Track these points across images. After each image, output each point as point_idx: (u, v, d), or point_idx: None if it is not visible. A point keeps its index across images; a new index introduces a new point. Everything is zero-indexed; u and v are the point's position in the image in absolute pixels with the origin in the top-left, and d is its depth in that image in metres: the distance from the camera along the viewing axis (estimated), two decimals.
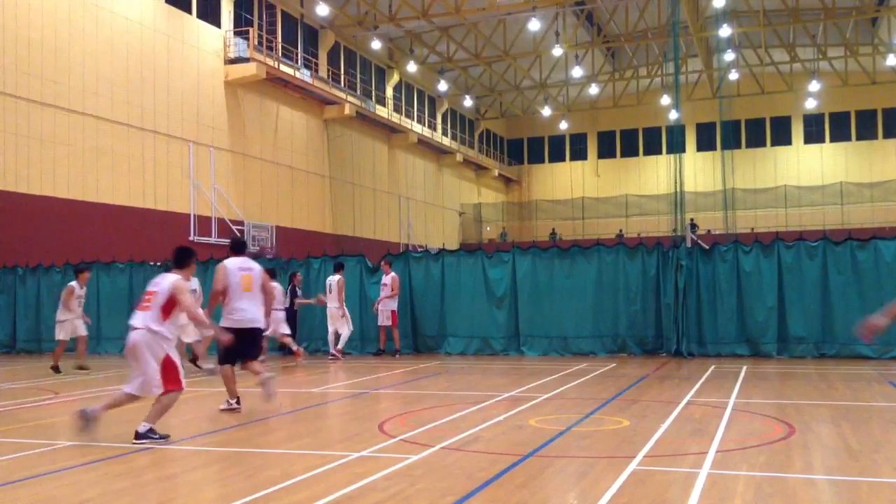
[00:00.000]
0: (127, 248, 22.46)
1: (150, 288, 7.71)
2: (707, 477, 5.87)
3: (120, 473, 6.34)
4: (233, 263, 9.46)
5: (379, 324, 16.99)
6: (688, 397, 10.06)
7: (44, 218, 22.31)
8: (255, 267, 9.63)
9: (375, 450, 6.98)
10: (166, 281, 7.60)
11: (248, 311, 9.31)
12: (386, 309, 16.76)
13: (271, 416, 9.17)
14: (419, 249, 23.15)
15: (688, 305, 15.87)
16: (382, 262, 17.37)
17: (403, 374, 13.62)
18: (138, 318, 7.53)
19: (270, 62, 32.86)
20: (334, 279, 16.44)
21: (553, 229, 50.91)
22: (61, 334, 14.89)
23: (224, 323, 9.26)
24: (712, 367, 13.80)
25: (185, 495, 5.68)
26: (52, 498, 5.57)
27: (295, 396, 11.15)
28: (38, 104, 22.52)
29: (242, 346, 9.14)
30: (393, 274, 16.92)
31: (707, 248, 16.72)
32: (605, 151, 58.24)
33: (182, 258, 7.96)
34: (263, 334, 10.32)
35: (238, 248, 9.84)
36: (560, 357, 16.01)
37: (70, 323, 14.90)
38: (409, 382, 12.54)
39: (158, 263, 19.70)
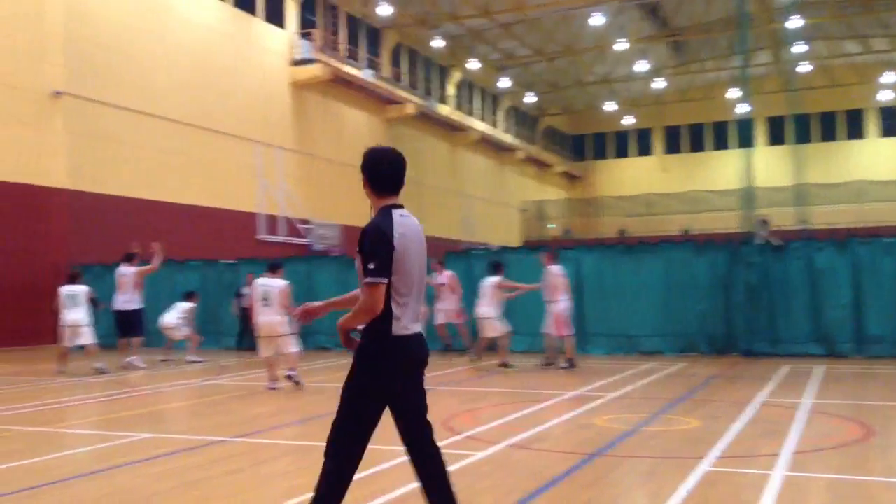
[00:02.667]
0: (198, 246, 23.01)
1: None
2: (781, 479, 5.70)
3: (192, 466, 6.49)
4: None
5: (434, 323, 16.13)
6: (760, 398, 9.81)
7: (117, 217, 23.00)
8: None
9: (441, 446, 6.97)
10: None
11: None
12: (446, 308, 16.05)
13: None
14: (481, 247, 23.14)
15: (759, 304, 15.47)
16: (433, 262, 16.54)
17: (467, 372, 13.62)
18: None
19: (334, 63, 33.24)
20: None
21: (622, 229, 50.20)
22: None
23: None
24: (785, 367, 13.43)
25: (254, 488, 5.77)
26: (128, 489, 5.73)
27: None
28: (112, 107, 23.21)
29: None
30: (449, 272, 16.36)
31: (779, 244, 16.28)
32: (672, 146, 57.25)
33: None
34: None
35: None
36: (626, 356, 15.79)
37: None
38: (472, 380, 12.53)
39: (231, 262, 20.16)
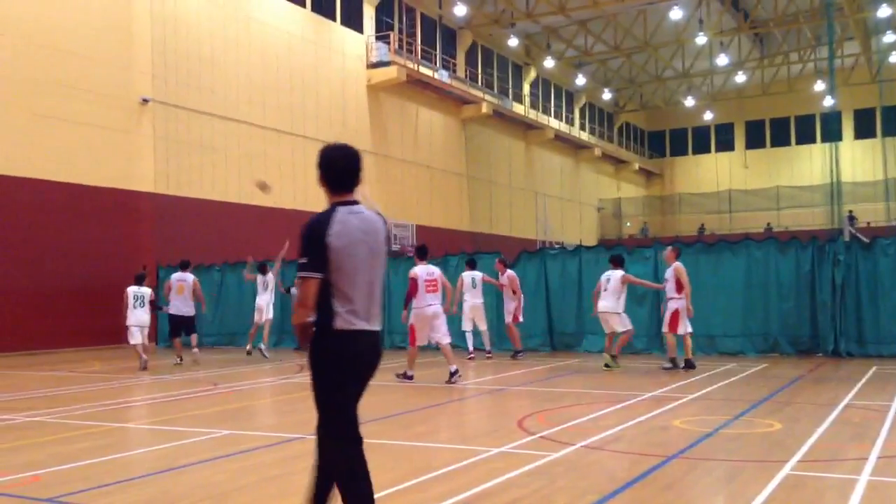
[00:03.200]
0: (279, 247, 23.51)
1: (432, 277, 11.98)
2: (867, 483, 5.51)
3: (271, 462, 6.66)
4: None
5: (505, 322, 16.16)
6: (846, 400, 9.48)
7: (200, 220, 23.74)
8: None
9: (515, 446, 7.00)
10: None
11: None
12: (509, 308, 15.91)
13: (410, 410, 9.37)
14: (556, 246, 22.97)
15: (846, 303, 14.93)
16: (497, 262, 16.55)
17: (541, 372, 13.56)
18: (435, 297, 11.93)
19: (410, 65, 33.53)
20: (478, 275, 16.00)
21: (702, 224, 49.10)
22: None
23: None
24: (873, 368, 12.93)
25: None
26: (211, 484, 5.92)
27: (433, 391, 11.33)
28: (195, 112, 23.96)
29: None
30: (510, 272, 16.14)
31: (867, 241, 15.66)
32: (754, 141, 55.68)
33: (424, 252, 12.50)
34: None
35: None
36: (706, 356, 15.44)
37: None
38: (546, 380, 12.47)
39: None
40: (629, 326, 13.50)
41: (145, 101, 22.68)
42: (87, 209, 20.90)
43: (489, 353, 15.99)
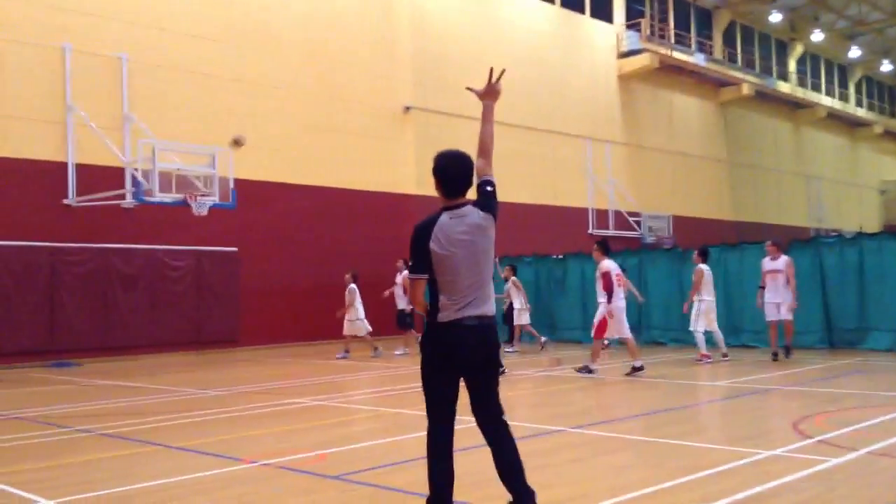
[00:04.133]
0: (531, 242, 23.95)
1: (619, 271, 12.37)
2: None
3: (534, 453, 6.82)
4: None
5: (767, 320, 14.01)
6: None
7: None
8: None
9: (789, 449, 6.60)
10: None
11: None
12: (778, 301, 13.69)
13: (670, 409, 9.14)
14: (831, 234, 21.13)
15: None
16: (768, 244, 14.21)
17: (818, 371, 12.59)
18: (622, 291, 12.33)
19: (663, 50, 32.58)
20: (706, 269, 14.03)
21: None
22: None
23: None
24: None
25: (596, 478, 5.94)
26: (472, 472, 6.17)
27: (698, 389, 10.96)
28: (453, 116, 25.00)
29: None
30: (785, 257, 13.96)
31: None
32: None
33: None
34: None
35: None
36: None
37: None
38: (824, 380, 11.56)
39: (560, 256, 20.73)
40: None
41: (407, 108, 24.15)
42: (360, 212, 22.65)
43: (725, 353, 14.16)
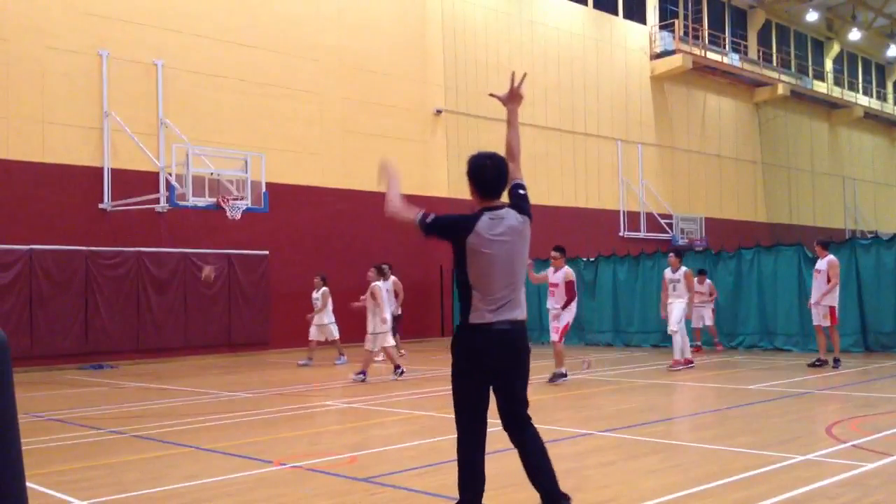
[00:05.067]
0: (567, 245, 23.85)
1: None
2: None
3: (564, 456, 6.79)
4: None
5: (814, 324, 13.57)
6: None
7: None
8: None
9: (823, 454, 6.50)
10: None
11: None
12: (824, 305, 13.16)
13: (700, 412, 9.04)
14: (868, 236, 20.75)
15: None
16: (816, 244, 13.70)
17: (853, 375, 12.37)
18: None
19: (696, 51, 32.29)
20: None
21: None
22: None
23: None
24: None
25: (623, 482, 5.89)
26: (509, 472, 6.17)
27: (728, 393, 10.83)
28: (484, 119, 25.01)
29: None
30: (830, 257, 13.32)
31: None
32: None
33: None
34: None
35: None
36: None
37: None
38: (860, 384, 11.37)
39: (591, 259, 20.61)
40: None
41: (438, 111, 24.20)
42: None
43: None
